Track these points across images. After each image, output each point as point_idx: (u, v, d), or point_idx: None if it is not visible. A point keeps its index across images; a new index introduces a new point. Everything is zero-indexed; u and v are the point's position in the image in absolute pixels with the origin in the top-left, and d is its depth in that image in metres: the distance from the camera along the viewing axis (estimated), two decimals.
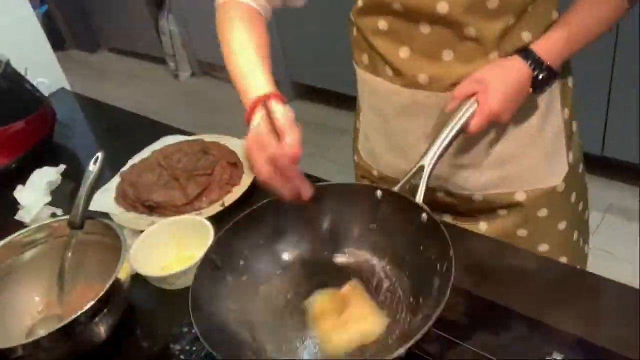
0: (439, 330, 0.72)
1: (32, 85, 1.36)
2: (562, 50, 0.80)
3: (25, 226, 1.08)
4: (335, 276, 0.78)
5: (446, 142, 0.77)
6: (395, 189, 0.76)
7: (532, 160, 0.91)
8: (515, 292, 0.77)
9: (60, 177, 1.20)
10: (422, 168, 0.76)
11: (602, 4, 0.80)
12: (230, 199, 1.01)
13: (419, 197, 0.74)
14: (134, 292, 0.88)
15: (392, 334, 0.69)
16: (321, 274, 0.78)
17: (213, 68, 3.80)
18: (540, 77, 0.80)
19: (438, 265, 0.67)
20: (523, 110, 0.85)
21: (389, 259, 0.77)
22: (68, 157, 1.29)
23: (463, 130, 0.79)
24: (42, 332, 0.81)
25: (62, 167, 1.22)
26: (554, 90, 0.88)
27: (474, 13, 0.78)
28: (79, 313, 0.73)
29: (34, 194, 1.13)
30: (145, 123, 1.39)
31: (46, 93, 1.46)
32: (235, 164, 1.08)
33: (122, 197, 1.07)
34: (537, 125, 0.88)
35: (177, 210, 1.01)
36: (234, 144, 1.13)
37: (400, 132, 0.94)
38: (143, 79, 4.01)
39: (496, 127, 0.88)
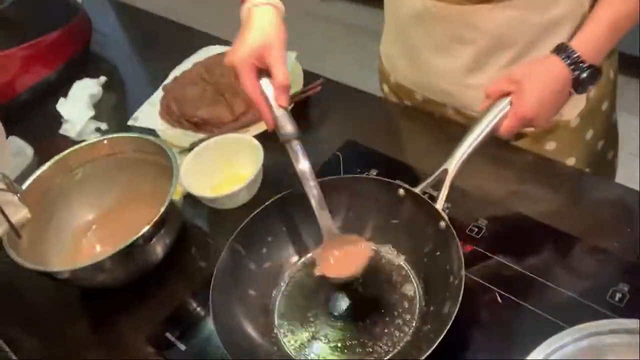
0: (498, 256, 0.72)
1: None
2: (603, 44, 0.73)
3: (71, 141, 1.08)
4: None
5: (474, 145, 0.71)
6: (417, 190, 0.73)
7: None
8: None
9: (101, 90, 1.18)
10: (445, 172, 0.71)
11: None
12: None
13: (440, 203, 0.70)
14: (187, 210, 0.88)
15: (404, 337, 0.68)
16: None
17: None
18: (582, 77, 0.72)
19: (451, 277, 0.66)
20: (542, 37, 0.81)
21: (408, 257, 0.75)
22: (108, 69, 1.26)
23: (494, 132, 0.72)
24: (99, 253, 0.82)
25: (103, 79, 1.20)
26: None
27: None
28: (136, 237, 0.73)
29: (77, 107, 1.11)
30: (183, 32, 1.33)
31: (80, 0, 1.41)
32: None
33: (167, 113, 1.04)
34: None
35: (224, 126, 0.99)
36: None
37: (413, 40, 0.92)
38: None
39: (512, 50, 0.84)
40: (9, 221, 0.63)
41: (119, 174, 0.88)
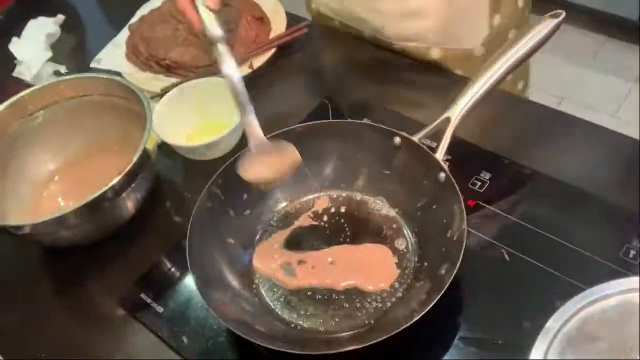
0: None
1: None
2: None
3: (26, 84, 0.98)
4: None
5: (480, 93, 0.66)
6: (415, 139, 0.67)
7: (446, 18, 0.85)
8: None
9: (59, 29, 1.07)
10: (447, 120, 0.65)
11: None
12: (258, 60, 0.89)
13: (440, 153, 0.65)
14: (160, 161, 0.80)
15: (395, 293, 0.63)
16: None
17: None
18: None
19: (449, 232, 0.61)
20: None
21: (401, 210, 0.69)
22: (66, 7, 1.14)
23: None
24: (62, 207, 0.74)
25: (61, 17, 1.08)
26: None
27: None
28: (104, 188, 0.64)
29: (33, 48, 1.00)
30: None
31: None
32: (261, 19, 0.95)
33: (134, 54, 0.95)
34: None
35: (198, 70, 0.90)
36: None
37: None
38: None
39: None
40: None
41: (85, 119, 0.79)
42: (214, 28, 0.64)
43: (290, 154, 0.64)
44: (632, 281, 0.50)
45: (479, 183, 0.70)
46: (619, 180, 0.69)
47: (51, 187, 0.79)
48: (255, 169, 0.64)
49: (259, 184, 0.65)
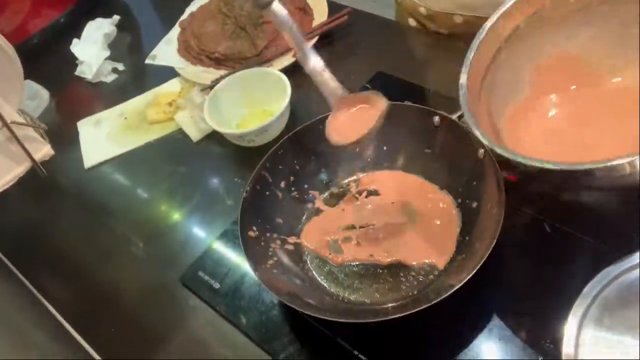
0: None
1: None
2: None
3: (87, 82, 1.05)
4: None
5: None
6: (454, 117, 0.68)
7: None
8: None
9: (115, 29, 1.13)
10: None
11: None
12: None
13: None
14: (212, 149, 0.85)
15: (436, 268, 0.65)
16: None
17: None
18: None
19: (489, 206, 0.62)
20: None
21: (442, 187, 0.71)
22: (120, 7, 1.21)
23: None
24: None
25: (117, 17, 1.14)
26: None
27: None
28: None
29: (92, 48, 1.07)
30: None
31: None
32: (303, 10, 0.98)
33: (185, 49, 1.00)
34: None
35: (246, 62, 0.94)
36: None
37: None
38: None
39: None
40: (32, 158, 0.60)
41: None
42: None
43: (376, 102, 0.61)
44: None
45: None
46: None
47: None
48: (345, 129, 0.62)
49: (353, 144, 0.61)
